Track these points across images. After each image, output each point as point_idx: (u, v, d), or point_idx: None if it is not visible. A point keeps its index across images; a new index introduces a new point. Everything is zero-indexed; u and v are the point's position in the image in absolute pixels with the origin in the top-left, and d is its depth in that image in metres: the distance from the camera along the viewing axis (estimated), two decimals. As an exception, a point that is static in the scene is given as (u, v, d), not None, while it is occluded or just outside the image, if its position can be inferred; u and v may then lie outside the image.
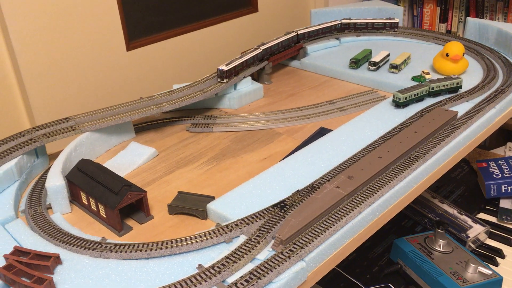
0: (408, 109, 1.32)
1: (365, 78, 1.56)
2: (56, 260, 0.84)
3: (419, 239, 1.41)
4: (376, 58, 1.60)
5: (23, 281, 0.78)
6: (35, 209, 0.99)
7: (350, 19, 1.56)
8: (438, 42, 1.80)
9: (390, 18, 1.63)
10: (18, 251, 0.85)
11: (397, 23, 1.62)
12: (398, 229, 1.59)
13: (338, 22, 1.55)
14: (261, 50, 1.50)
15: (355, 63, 1.60)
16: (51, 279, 0.79)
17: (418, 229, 1.59)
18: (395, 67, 1.55)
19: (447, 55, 1.49)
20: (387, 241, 1.53)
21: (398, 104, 1.32)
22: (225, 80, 1.39)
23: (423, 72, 1.51)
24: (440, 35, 1.82)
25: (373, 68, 1.58)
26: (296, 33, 1.63)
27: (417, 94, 1.34)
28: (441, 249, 1.37)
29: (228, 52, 2.03)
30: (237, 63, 1.44)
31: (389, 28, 1.62)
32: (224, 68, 1.40)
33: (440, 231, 1.40)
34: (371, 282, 1.37)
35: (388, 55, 1.65)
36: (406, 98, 1.31)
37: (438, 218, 1.57)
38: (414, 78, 1.50)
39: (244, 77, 1.50)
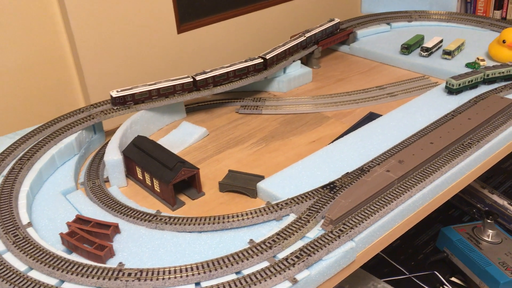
0: (461, 96, 1.30)
1: (416, 64, 1.54)
2: (115, 229, 0.88)
3: (467, 229, 1.39)
4: (428, 43, 1.57)
5: (85, 247, 0.83)
6: (94, 182, 1.04)
7: (309, 31, 1.53)
8: (493, 28, 1.75)
9: (331, 20, 1.61)
10: (80, 220, 0.90)
11: (338, 23, 1.61)
12: (444, 218, 1.57)
13: (304, 38, 1.50)
14: (192, 80, 1.28)
15: (407, 48, 1.58)
16: (111, 246, 0.83)
17: (465, 219, 1.56)
18: (449, 53, 1.52)
19: (503, 41, 1.45)
20: (433, 230, 1.51)
21: (451, 91, 1.30)
22: (115, 108, 1.19)
23: (478, 59, 1.47)
24: (496, 22, 1.76)
25: (425, 54, 1.55)
26: (263, 58, 1.38)
27: (472, 81, 1.31)
28: (489, 240, 1.35)
29: (276, 36, 2.03)
30: (133, 91, 1.21)
31: (335, 30, 1.61)
32: (114, 94, 1.20)
33: (489, 221, 1.37)
34: (416, 269, 1.37)
35: (441, 41, 1.61)
36: (460, 85, 1.29)
37: (487, 208, 1.54)
38: (468, 65, 1.47)
39: (294, 61, 1.50)
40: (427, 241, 1.47)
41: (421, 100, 1.29)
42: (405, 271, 1.35)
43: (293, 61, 1.50)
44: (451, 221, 1.55)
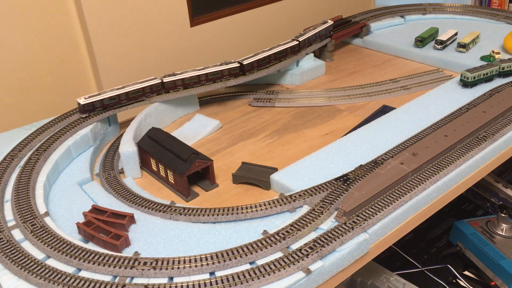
0: (476, 89, 1.29)
1: (430, 57, 1.52)
2: (131, 219, 0.89)
3: (481, 222, 1.39)
4: (443, 36, 1.56)
5: (101, 236, 0.84)
6: (109, 173, 1.05)
7: (303, 35, 1.50)
8: (509, 21, 1.73)
9: (324, 23, 1.58)
10: (96, 210, 0.91)
11: (331, 25, 1.58)
12: (458, 212, 1.56)
13: (296, 42, 1.47)
14: (161, 82, 1.24)
15: (421, 41, 1.57)
16: (127, 236, 0.84)
17: (479, 213, 1.56)
18: (463, 46, 1.51)
19: (519, 34, 1.43)
20: (446, 224, 1.51)
21: (466, 84, 1.29)
22: (84, 115, 1.16)
23: (493, 52, 1.46)
24: (511, 14, 1.74)
25: (439, 46, 1.54)
26: (240, 63, 1.35)
27: (487, 73, 1.30)
28: (503, 233, 1.34)
29: (291, 29, 2.03)
30: (101, 97, 1.17)
31: (329, 32, 1.58)
32: (82, 101, 1.15)
33: (503, 215, 1.36)
34: (429, 262, 1.36)
35: (455, 34, 1.60)
36: (474, 78, 1.28)
37: (501, 202, 1.53)
38: (483, 58, 1.45)
39: (307, 54, 1.50)
40: (440, 235, 1.47)
41: (435, 93, 1.28)
42: (417, 265, 1.35)
43: (306, 54, 1.50)
44: (464, 215, 1.55)
